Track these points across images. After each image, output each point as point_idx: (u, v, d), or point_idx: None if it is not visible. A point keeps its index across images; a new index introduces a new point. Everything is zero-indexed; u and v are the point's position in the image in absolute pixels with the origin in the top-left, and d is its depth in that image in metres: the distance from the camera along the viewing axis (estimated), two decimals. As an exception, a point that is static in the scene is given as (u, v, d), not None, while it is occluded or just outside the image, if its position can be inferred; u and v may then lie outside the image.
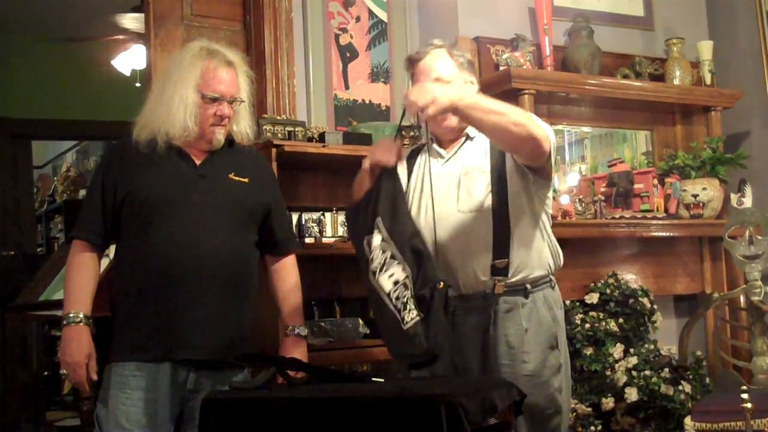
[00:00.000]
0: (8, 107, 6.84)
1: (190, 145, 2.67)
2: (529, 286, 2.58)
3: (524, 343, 2.54)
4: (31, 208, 7.54)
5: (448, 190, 2.62)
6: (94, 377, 2.57)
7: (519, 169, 2.58)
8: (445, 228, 2.57)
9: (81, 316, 2.56)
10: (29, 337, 6.77)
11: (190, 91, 2.61)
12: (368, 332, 3.52)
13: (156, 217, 2.56)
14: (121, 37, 6.18)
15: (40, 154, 9.06)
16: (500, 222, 2.55)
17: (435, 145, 2.73)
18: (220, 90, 2.63)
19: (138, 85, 6.13)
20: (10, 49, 6.83)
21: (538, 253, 2.61)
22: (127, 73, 6.38)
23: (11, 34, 6.73)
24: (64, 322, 2.56)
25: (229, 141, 2.73)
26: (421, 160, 2.76)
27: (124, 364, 2.54)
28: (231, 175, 2.68)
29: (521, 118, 2.43)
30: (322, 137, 3.63)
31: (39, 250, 8.37)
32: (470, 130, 2.69)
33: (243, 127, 2.74)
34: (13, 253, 6.58)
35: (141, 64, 6.06)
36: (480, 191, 2.58)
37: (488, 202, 2.56)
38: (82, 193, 9.60)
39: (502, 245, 2.54)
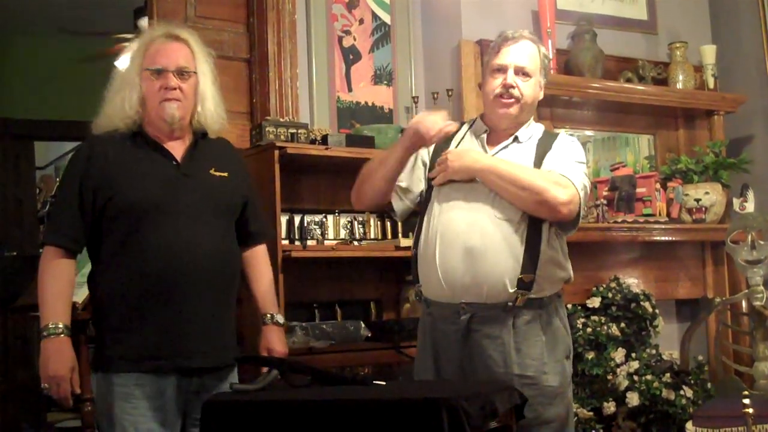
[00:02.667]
0: (11, 108, 6.85)
1: (161, 136, 2.58)
2: (545, 299, 2.56)
3: (545, 355, 2.53)
4: (33, 209, 7.53)
5: (485, 192, 2.57)
6: (78, 390, 2.48)
7: None
8: (479, 232, 2.53)
9: (61, 326, 2.42)
10: (31, 338, 6.76)
11: (134, 72, 2.56)
12: (370, 335, 3.51)
13: (145, 221, 2.47)
14: (125, 36, 6.17)
15: (42, 154, 9.04)
16: (533, 237, 2.52)
17: (484, 136, 2.69)
18: (162, 62, 2.53)
19: (141, 86, 6.13)
20: (12, 49, 6.84)
21: (560, 270, 2.60)
22: (130, 75, 6.38)
23: (14, 35, 6.74)
24: (44, 334, 2.41)
25: (202, 133, 2.64)
26: (464, 146, 2.73)
27: (127, 375, 2.45)
28: (212, 171, 2.61)
29: (534, 182, 2.47)
30: (324, 139, 3.62)
31: (41, 251, 8.37)
32: (521, 133, 2.66)
33: (209, 106, 2.62)
34: (15, 253, 6.58)
35: (144, 66, 6.06)
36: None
37: (524, 216, 2.53)
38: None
39: (531, 260, 2.51)
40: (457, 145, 2.75)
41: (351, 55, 4.10)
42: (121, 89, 2.57)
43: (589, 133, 4.49)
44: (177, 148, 2.58)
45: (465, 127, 2.77)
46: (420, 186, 2.72)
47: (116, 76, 2.62)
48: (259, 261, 2.79)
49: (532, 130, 2.70)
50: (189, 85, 2.56)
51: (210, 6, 3.86)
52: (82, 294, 3.62)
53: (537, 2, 4.24)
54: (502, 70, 2.63)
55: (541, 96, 2.73)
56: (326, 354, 3.37)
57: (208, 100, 2.61)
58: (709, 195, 4.34)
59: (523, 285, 2.50)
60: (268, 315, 2.75)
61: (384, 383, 2.35)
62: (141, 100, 2.54)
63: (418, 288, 2.70)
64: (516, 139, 2.66)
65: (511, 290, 2.50)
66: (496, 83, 2.63)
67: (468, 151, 2.62)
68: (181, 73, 2.54)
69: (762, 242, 3.92)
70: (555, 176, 2.52)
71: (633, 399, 3.73)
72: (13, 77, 6.90)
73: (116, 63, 6.49)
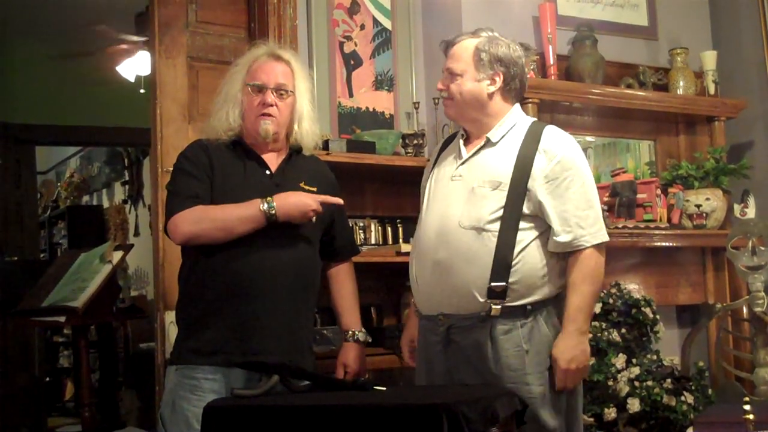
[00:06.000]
0: (12, 113, 6.87)
1: (258, 147, 2.71)
2: (529, 307, 2.52)
3: (525, 365, 2.49)
4: (35, 213, 7.56)
5: (455, 200, 2.59)
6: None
7: (536, 205, 2.55)
8: (445, 243, 2.54)
9: (260, 200, 2.54)
10: (31, 342, 6.77)
11: (237, 85, 2.70)
12: (370, 340, 3.51)
13: None
14: (125, 46, 6.18)
15: (43, 159, 9.08)
16: (504, 246, 2.49)
17: (462, 140, 2.72)
18: (263, 79, 2.67)
19: (142, 91, 6.14)
20: (14, 54, 6.86)
21: (545, 276, 2.54)
22: (132, 80, 6.39)
23: (16, 40, 6.75)
24: (270, 204, 2.54)
25: (297, 149, 2.76)
26: (445, 154, 2.76)
27: (196, 367, 2.55)
28: (302, 184, 2.71)
29: (597, 277, 2.56)
30: (325, 145, 3.62)
31: (42, 255, 8.39)
32: (494, 134, 2.64)
33: (306, 125, 2.74)
34: (16, 258, 6.59)
35: (145, 71, 6.07)
36: (488, 210, 2.52)
37: (495, 222, 2.50)
38: (86, 198, 9.64)
39: (501, 269, 2.48)
40: (440, 152, 2.81)
41: (352, 61, 4.11)
42: (225, 103, 2.71)
43: (589, 138, 4.49)
44: (272, 160, 2.72)
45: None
46: None
47: (222, 89, 2.76)
48: (343, 277, 2.91)
49: (507, 127, 2.67)
50: (285, 104, 2.69)
51: (211, 11, 3.86)
52: (83, 298, 3.64)
53: (538, 8, 4.25)
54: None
55: (488, 89, 2.66)
56: (327, 359, 3.37)
57: (304, 119, 2.75)
58: (709, 201, 4.33)
59: (495, 294, 2.48)
60: (350, 332, 2.87)
61: (384, 389, 2.35)
62: (242, 114, 2.69)
63: (413, 300, 2.76)
64: (488, 141, 2.65)
65: (481, 300, 2.49)
66: None
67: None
68: (280, 91, 2.67)
69: (763, 248, 3.92)
70: (589, 267, 2.54)
71: (634, 405, 3.72)
72: (15, 82, 6.91)
73: (117, 68, 6.49)
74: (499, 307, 2.49)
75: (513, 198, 2.52)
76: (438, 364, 2.61)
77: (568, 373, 2.48)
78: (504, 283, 2.48)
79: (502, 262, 2.48)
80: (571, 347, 2.48)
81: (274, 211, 2.54)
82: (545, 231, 2.56)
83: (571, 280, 2.54)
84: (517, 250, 2.50)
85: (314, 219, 2.65)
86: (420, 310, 2.70)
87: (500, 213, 2.51)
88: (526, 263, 2.52)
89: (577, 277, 2.53)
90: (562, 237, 2.53)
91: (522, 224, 2.52)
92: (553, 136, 2.63)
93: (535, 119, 2.77)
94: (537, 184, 2.53)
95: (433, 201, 2.67)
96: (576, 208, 2.55)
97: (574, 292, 2.52)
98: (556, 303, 2.59)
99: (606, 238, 2.59)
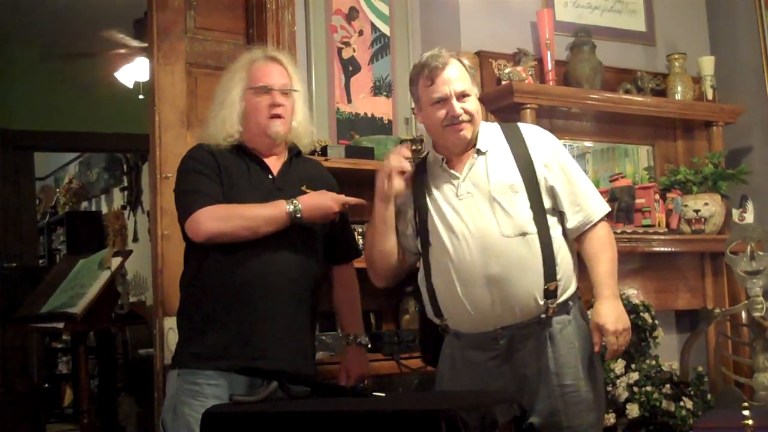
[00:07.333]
0: (11, 119, 6.86)
1: (260, 150, 2.71)
2: (570, 302, 2.60)
3: (578, 361, 2.56)
4: (33, 219, 7.55)
5: (481, 214, 2.55)
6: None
7: (550, 194, 2.62)
8: (494, 256, 2.51)
9: (286, 201, 2.57)
10: (30, 349, 6.76)
11: (237, 90, 2.68)
12: (370, 346, 3.50)
13: None
14: (123, 51, 6.18)
15: (42, 165, 9.07)
16: (546, 244, 2.54)
17: (445, 165, 2.65)
18: (268, 81, 2.68)
19: (141, 97, 6.14)
20: (13, 60, 6.86)
21: (574, 268, 2.64)
22: (130, 86, 6.40)
23: (14, 46, 6.75)
24: (296, 206, 2.57)
25: (296, 151, 2.77)
26: (431, 180, 2.68)
27: (198, 372, 2.54)
28: (303, 188, 2.70)
29: (613, 245, 2.66)
30: (324, 151, 3.63)
31: (41, 262, 8.39)
32: (481, 144, 2.63)
33: (303, 125, 2.76)
34: (14, 264, 6.59)
35: (144, 77, 6.07)
36: (521, 213, 2.54)
37: (532, 224, 2.54)
38: (85, 204, 9.64)
39: (551, 267, 2.54)
40: (413, 178, 2.69)
41: (350, 67, 4.11)
42: (222, 109, 2.70)
43: (588, 144, 4.50)
44: (274, 164, 2.72)
45: (429, 158, 2.73)
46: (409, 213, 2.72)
47: (217, 96, 2.75)
48: (345, 279, 2.91)
49: (486, 135, 2.67)
50: (290, 103, 2.71)
51: (210, 18, 3.86)
52: (82, 304, 3.64)
53: (536, 14, 4.26)
54: (443, 101, 2.58)
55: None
56: (327, 365, 3.37)
57: (301, 113, 2.76)
58: (708, 206, 4.34)
59: (551, 294, 2.54)
60: (351, 336, 2.85)
61: (383, 395, 2.35)
62: (240, 119, 2.67)
63: (443, 323, 2.66)
64: (479, 152, 2.63)
65: (541, 302, 2.54)
66: (440, 115, 2.58)
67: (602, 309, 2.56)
68: (284, 91, 2.69)
69: (761, 253, 3.92)
70: (604, 236, 2.64)
71: (633, 410, 3.72)
72: (13, 88, 6.91)
73: (116, 74, 6.48)
74: (555, 305, 2.55)
75: (533, 196, 2.57)
76: (485, 379, 2.57)
77: (617, 334, 2.52)
78: (556, 282, 2.55)
79: (550, 261, 2.55)
80: (613, 309, 2.53)
81: (300, 214, 2.56)
82: (563, 225, 2.64)
83: (590, 252, 2.62)
84: (555, 246, 2.57)
85: (337, 219, 2.69)
86: (467, 330, 2.61)
87: (531, 214, 2.56)
88: (564, 258, 2.59)
89: (597, 247, 2.62)
90: (574, 218, 2.62)
91: (549, 220, 2.58)
92: (531, 129, 2.76)
93: (497, 122, 2.81)
94: (543, 174, 2.60)
95: (451, 222, 2.58)
96: (578, 184, 2.66)
97: (599, 261, 2.60)
98: (579, 300, 2.68)
99: (609, 208, 2.71)
